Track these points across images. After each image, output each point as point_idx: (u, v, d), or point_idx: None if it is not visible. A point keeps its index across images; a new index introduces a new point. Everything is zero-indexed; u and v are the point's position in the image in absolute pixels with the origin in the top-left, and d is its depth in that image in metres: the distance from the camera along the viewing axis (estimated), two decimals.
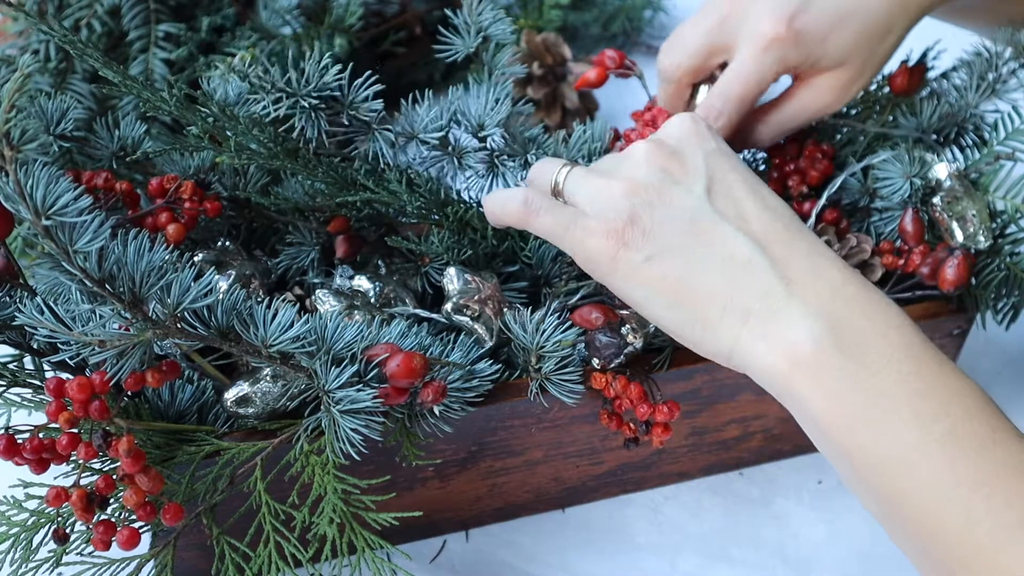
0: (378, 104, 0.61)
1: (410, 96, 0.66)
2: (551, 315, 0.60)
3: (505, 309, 0.62)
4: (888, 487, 0.48)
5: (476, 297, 0.61)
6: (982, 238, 0.65)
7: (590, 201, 0.55)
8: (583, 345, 0.60)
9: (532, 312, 0.60)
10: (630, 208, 0.53)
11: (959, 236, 0.65)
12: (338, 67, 0.60)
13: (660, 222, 0.53)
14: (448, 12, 0.67)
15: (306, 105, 0.59)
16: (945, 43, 0.76)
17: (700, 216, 0.53)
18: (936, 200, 0.66)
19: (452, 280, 0.62)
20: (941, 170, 0.66)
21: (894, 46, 0.67)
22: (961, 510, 0.46)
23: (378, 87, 0.61)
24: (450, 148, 0.64)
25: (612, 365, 0.60)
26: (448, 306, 0.61)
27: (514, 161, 0.65)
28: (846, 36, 0.65)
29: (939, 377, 0.49)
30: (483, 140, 0.64)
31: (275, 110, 0.59)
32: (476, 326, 0.60)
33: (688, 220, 0.53)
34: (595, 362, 0.60)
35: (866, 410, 0.48)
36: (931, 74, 0.75)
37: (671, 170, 0.54)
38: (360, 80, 0.61)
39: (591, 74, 0.70)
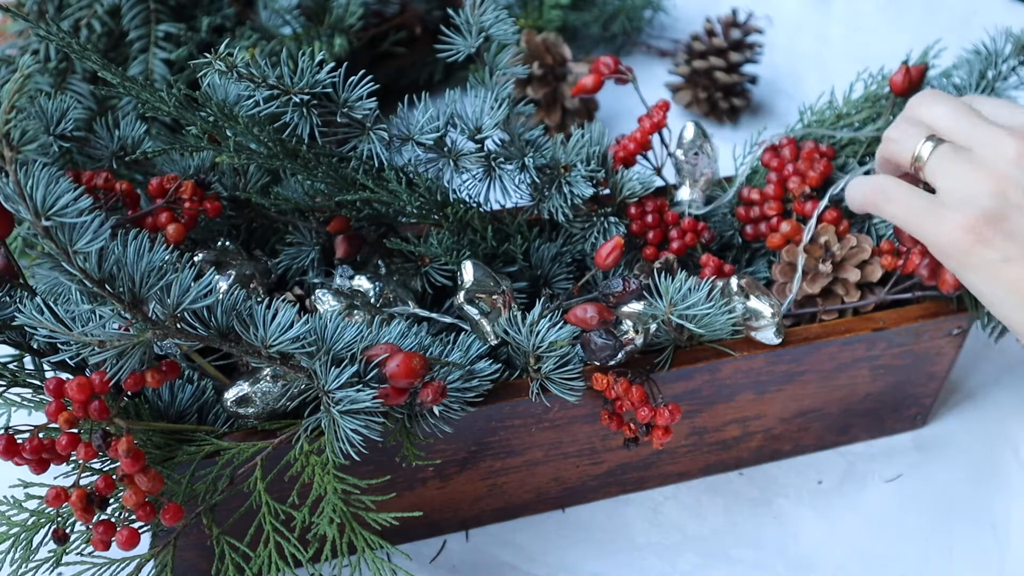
0: (372, 103, 0.61)
1: (406, 98, 0.65)
2: (544, 316, 0.59)
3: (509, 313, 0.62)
4: None
5: (490, 293, 0.61)
6: None
7: (951, 189, 0.54)
8: (579, 347, 0.60)
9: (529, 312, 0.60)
10: (995, 207, 0.52)
11: None
12: (331, 65, 0.60)
13: None
14: (450, 11, 0.67)
15: (298, 101, 0.59)
16: (945, 42, 0.76)
17: None
18: None
19: (467, 271, 0.62)
20: None
21: None
22: None
23: (372, 86, 0.61)
24: (446, 150, 0.64)
25: (611, 364, 0.60)
26: (460, 295, 0.61)
27: (511, 164, 0.65)
28: None
29: None
30: (480, 143, 0.64)
31: (266, 105, 0.59)
32: (483, 321, 0.60)
33: None
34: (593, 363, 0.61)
35: None
36: (931, 73, 0.75)
37: None
38: (355, 78, 0.61)
39: (587, 81, 0.70)
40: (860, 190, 0.60)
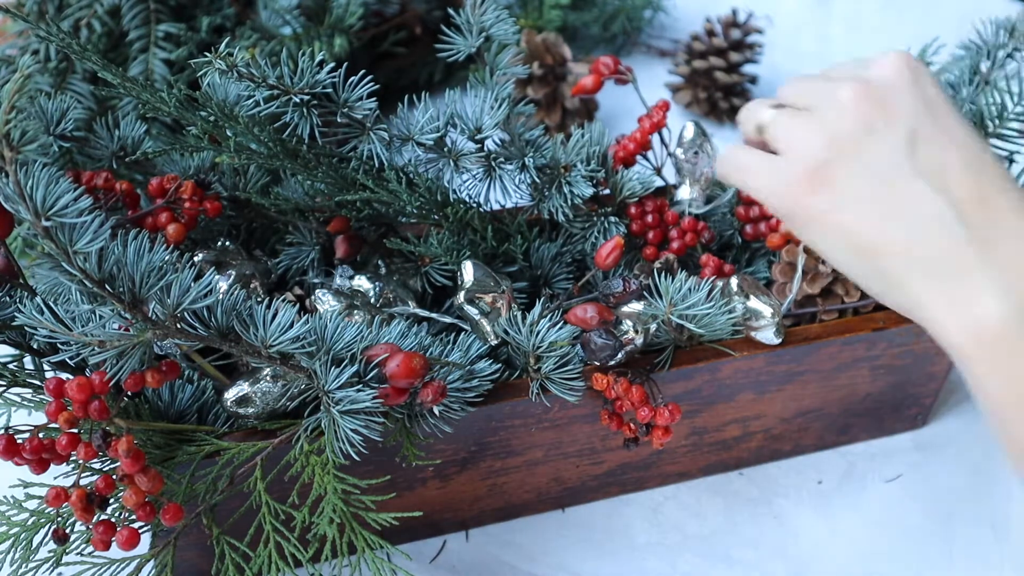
0: (372, 103, 0.61)
1: (406, 98, 0.65)
2: (544, 316, 0.59)
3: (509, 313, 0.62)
4: None
5: (490, 293, 0.61)
6: None
7: (788, 146, 0.54)
8: (579, 347, 0.60)
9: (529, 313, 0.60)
10: (823, 158, 0.52)
11: None
12: (331, 65, 0.60)
13: (851, 174, 0.52)
14: (451, 11, 0.67)
15: (298, 101, 0.59)
16: (945, 41, 0.76)
17: (897, 172, 0.51)
18: None
19: (468, 271, 0.62)
20: None
21: None
22: None
23: (372, 87, 0.61)
24: (446, 150, 0.64)
25: (611, 364, 0.60)
26: (461, 295, 0.61)
27: (511, 164, 0.65)
28: None
29: None
30: (480, 143, 0.64)
31: (266, 105, 0.59)
32: (483, 321, 0.60)
33: (883, 175, 0.51)
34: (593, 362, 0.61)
35: None
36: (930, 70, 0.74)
37: (873, 120, 0.52)
38: (355, 78, 0.61)
39: (587, 81, 0.71)
40: (719, 161, 0.61)
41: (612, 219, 0.68)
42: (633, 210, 0.69)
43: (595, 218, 0.68)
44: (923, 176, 0.50)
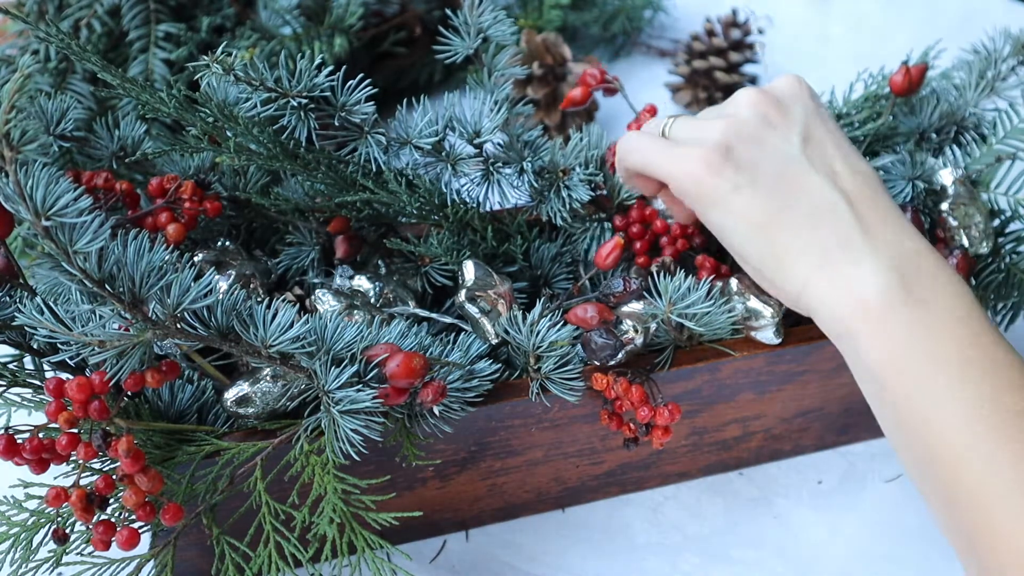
0: (370, 107, 0.61)
1: (404, 101, 0.65)
2: (545, 315, 0.59)
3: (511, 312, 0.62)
4: (924, 438, 0.50)
5: (491, 292, 0.61)
6: (984, 248, 0.65)
7: (690, 135, 0.58)
8: (579, 346, 0.60)
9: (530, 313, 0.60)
10: (726, 140, 0.56)
11: (965, 243, 0.65)
12: (329, 68, 0.60)
13: (753, 159, 0.55)
14: (448, 12, 0.67)
15: (296, 104, 0.59)
16: (946, 42, 0.76)
17: (793, 162, 0.56)
18: (944, 207, 0.66)
19: (468, 270, 0.62)
20: (946, 176, 0.66)
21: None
22: (983, 467, 0.48)
23: (371, 90, 0.61)
24: (444, 154, 0.64)
25: (611, 364, 0.60)
26: (462, 294, 0.61)
27: (510, 168, 0.65)
28: None
29: (991, 347, 0.51)
30: (479, 147, 0.64)
31: (264, 108, 0.59)
32: (484, 320, 0.60)
33: (781, 164, 0.55)
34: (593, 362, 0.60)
35: (919, 364, 0.50)
36: (931, 73, 0.75)
37: (771, 116, 0.57)
38: (353, 82, 0.60)
39: (576, 93, 0.71)
40: (618, 147, 0.63)
41: (607, 224, 0.68)
42: (618, 222, 0.68)
43: (588, 223, 0.68)
44: (817, 171, 0.56)
